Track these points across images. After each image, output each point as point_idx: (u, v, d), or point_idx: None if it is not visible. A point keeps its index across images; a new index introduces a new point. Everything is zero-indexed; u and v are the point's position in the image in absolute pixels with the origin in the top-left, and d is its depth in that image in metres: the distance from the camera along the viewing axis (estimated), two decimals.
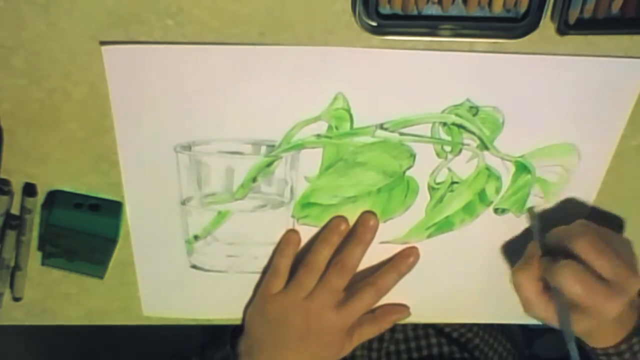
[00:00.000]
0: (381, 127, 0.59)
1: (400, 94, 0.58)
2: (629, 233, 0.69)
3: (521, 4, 0.53)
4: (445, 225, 0.66)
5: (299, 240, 0.66)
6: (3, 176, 0.61)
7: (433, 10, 0.54)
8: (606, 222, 0.65)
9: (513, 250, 0.68)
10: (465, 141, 0.61)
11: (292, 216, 0.65)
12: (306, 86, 0.57)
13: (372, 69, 0.56)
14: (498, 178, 0.63)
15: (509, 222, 0.66)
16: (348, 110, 0.58)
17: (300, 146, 0.60)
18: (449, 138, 0.61)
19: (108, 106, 0.57)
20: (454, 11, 0.54)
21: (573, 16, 0.53)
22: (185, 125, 0.58)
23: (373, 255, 0.67)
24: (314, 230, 0.66)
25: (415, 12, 0.53)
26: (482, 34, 0.54)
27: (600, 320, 0.59)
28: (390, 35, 0.54)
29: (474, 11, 0.54)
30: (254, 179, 0.62)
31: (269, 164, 0.61)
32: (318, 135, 0.60)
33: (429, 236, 0.67)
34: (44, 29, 0.53)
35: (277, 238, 0.66)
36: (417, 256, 0.67)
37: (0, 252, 0.63)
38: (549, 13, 0.54)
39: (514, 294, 0.68)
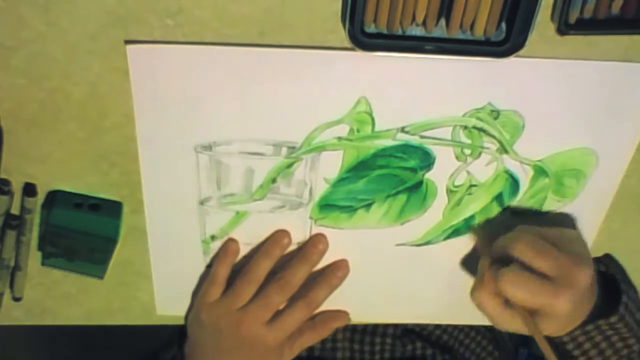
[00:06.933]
0: (402, 130, 0.60)
1: (423, 98, 0.58)
2: None
3: (502, 28, 0.54)
4: (462, 228, 0.66)
5: (238, 249, 0.66)
6: (3, 176, 0.61)
7: (417, 31, 0.54)
8: (558, 222, 0.65)
9: None
10: (485, 144, 0.61)
11: (310, 217, 0.65)
12: (330, 89, 0.57)
13: (395, 73, 0.56)
14: (516, 181, 0.63)
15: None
16: (370, 114, 0.58)
17: (321, 148, 0.60)
18: (469, 141, 0.61)
19: (108, 106, 0.57)
20: (437, 32, 0.54)
21: (573, 16, 0.53)
22: (206, 126, 0.58)
23: (389, 258, 0.67)
24: (332, 232, 0.66)
25: (400, 32, 0.54)
26: (466, 53, 0.55)
27: (558, 319, 0.58)
28: (378, 52, 0.54)
29: (456, 34, 0.54)
30: (274, 180, 0.62)
31: (289, 165, 0.61)
32: (339, 138, 0.60)
33: (446, 238, 0.67)
34: (44, 29, 0.53)
35: (296, 239, 0.66)
36: (347, 269, 0.67)
37: (0, 252, 0.63)
38: (548, 15, 0.54)
39: None
